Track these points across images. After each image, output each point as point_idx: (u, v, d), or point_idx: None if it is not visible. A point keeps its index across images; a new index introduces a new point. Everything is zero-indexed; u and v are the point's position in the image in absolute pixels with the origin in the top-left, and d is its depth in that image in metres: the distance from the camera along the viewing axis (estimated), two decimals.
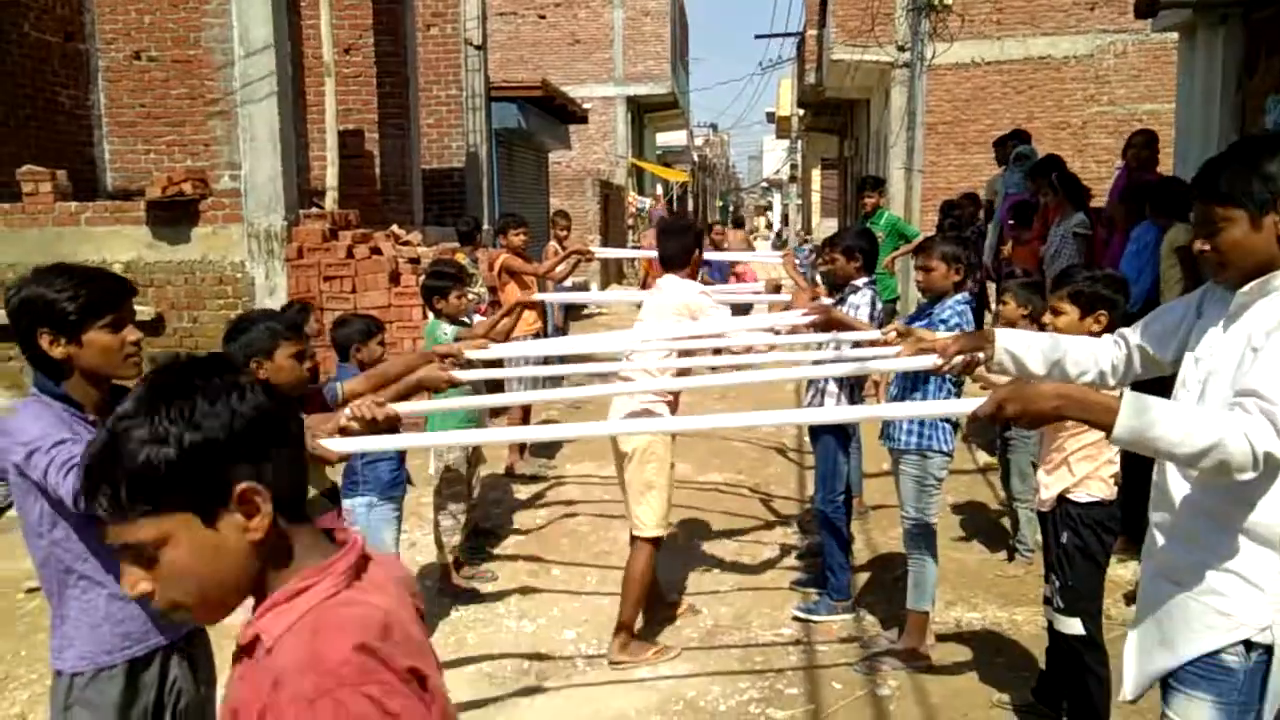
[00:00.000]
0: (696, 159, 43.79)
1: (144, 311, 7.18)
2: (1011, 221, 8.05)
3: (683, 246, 4.22)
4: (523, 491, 6.55)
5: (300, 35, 9.42)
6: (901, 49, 14.63)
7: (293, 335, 2.90)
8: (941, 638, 4.27)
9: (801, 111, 29.07)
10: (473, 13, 11.84)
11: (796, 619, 4.58)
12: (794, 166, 35.55)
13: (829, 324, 3.87)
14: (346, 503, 3.98)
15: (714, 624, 4.61)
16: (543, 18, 24.89)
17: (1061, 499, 3.11)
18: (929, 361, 2.41)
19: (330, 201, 7.77)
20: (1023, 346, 2.30)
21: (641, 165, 26.91)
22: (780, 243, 34.35)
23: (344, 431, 2.42)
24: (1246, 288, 1.92)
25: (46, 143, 9.34)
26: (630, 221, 25.08)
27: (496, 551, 5.55)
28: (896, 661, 4.02)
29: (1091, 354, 2.27)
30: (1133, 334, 2.23)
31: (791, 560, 5.39)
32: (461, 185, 11.86)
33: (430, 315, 4.95)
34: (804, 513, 6.11)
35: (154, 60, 10.20)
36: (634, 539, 4.24)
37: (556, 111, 15.12)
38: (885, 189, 9.47)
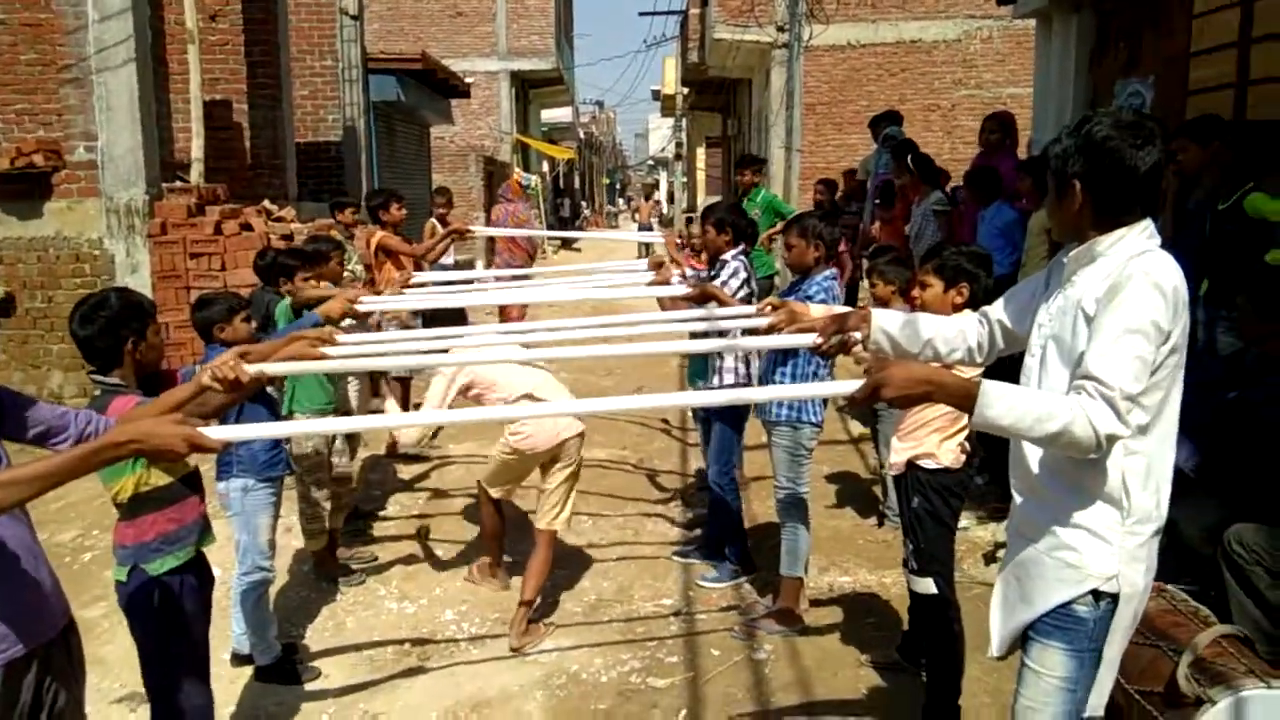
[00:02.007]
0: (583, 136, 43.58)
1: None
2: (878, 201, 8.33)
3: None
4: (405, 472, 6.46)
5: (161, 0, 8.96)
6: (781, 29, 14.86)
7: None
8: (815, 602, 4.42)
9: (686, 90, 29.23)
10: None
11: (702, 588, 4.68)
12: (679, 145, 35.75)
13: (704, 296, 3.94)
14: (220, 485, 3.86)
15: (596, 598, 4.66)
16: None
17: (911, 465, 3.25)
18: (807, 340, 2.48)
19: (196, 175, 7.44)
20: (896, 326, 2.40)
21: (527, 141, 26.62)
22: (665, 221, 34.54)
23: (204, 392, 2.36)
24: (1074, 252, 2.06)
25: None
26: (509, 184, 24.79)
27: (377, 533, 5.47)
28: (773, 625, 4.15)
29: (960, 332, 2.38)
30: (994, 310, 2.35)
31: (675, 534, 5.48)
32: (339, 159, 11.50)
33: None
34: (687, 487, 6.22)
35: (1, 24, 9.56)
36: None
37: (438, 85, 14.80)
38: (764, 168, 9.62)
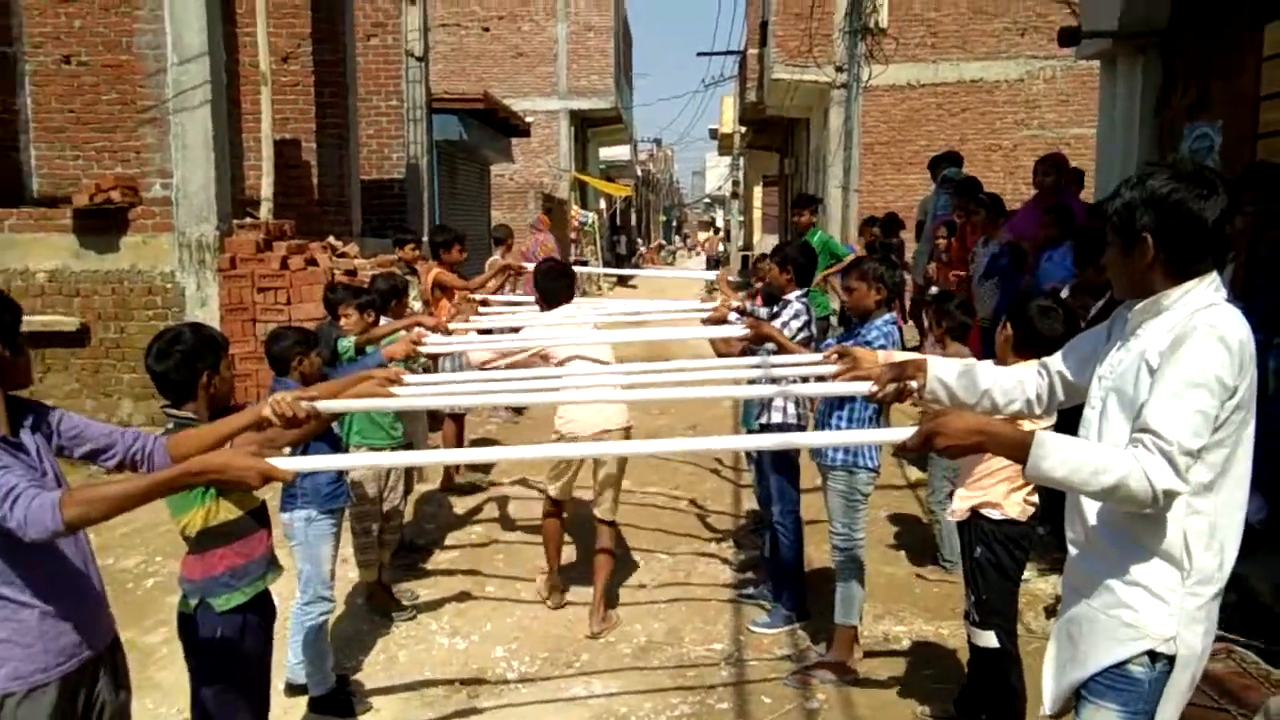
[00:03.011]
0: (640, 174, 43.97)
1: (68, 322, 7.01)
2: (942, 240, 8.26)
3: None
4: (459, 506, 6.50)
5: (236, 43, 9.27)
6: (839, 70, 14.91)
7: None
8: (871, 652, 4.35)
9: (743, 129, 29.40)
10: (414, 24, 11.76)
11: (753, 633, 4.64)
12: (736, 183, 35.87)
13: (760, 337, 3.93)
14: (284, 516, 3.93)
15: (647, 640, 4.63)
16: (486, 29, 24.81)
17: (975, 514, 3.19)
18: (863, 388, 2.46)
19: (265, 211, 7.65)
20: (953, 376, 2.37)
21: (584, 179, 26.94)
22: (722, 258, 34.61)
23: (264, 425, 2.41)
24: (1140, 305, 2.02)
25: None
26: (573, 235, 25.06)
27: (430, 567, 5.51)
28: (826, 675, 4.08)
29: (1019, 383, 2.34)
30: (1054, 362, 2.31)
31: (727, 576, 5.44)
32: (402, 196, 11.75)
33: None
34: (739, 528, 6.18)
35: (84, 65, 9.95)
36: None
37: (499, 124, 15.07)
38: (820, 208, 9.60)
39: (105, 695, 2.38)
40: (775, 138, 25.77)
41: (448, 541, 5.91)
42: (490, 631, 4.75)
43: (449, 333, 4.50)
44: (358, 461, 4.46)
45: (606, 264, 27.85)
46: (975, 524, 3.20)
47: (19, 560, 2.16)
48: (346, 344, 4.54)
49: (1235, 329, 1.90)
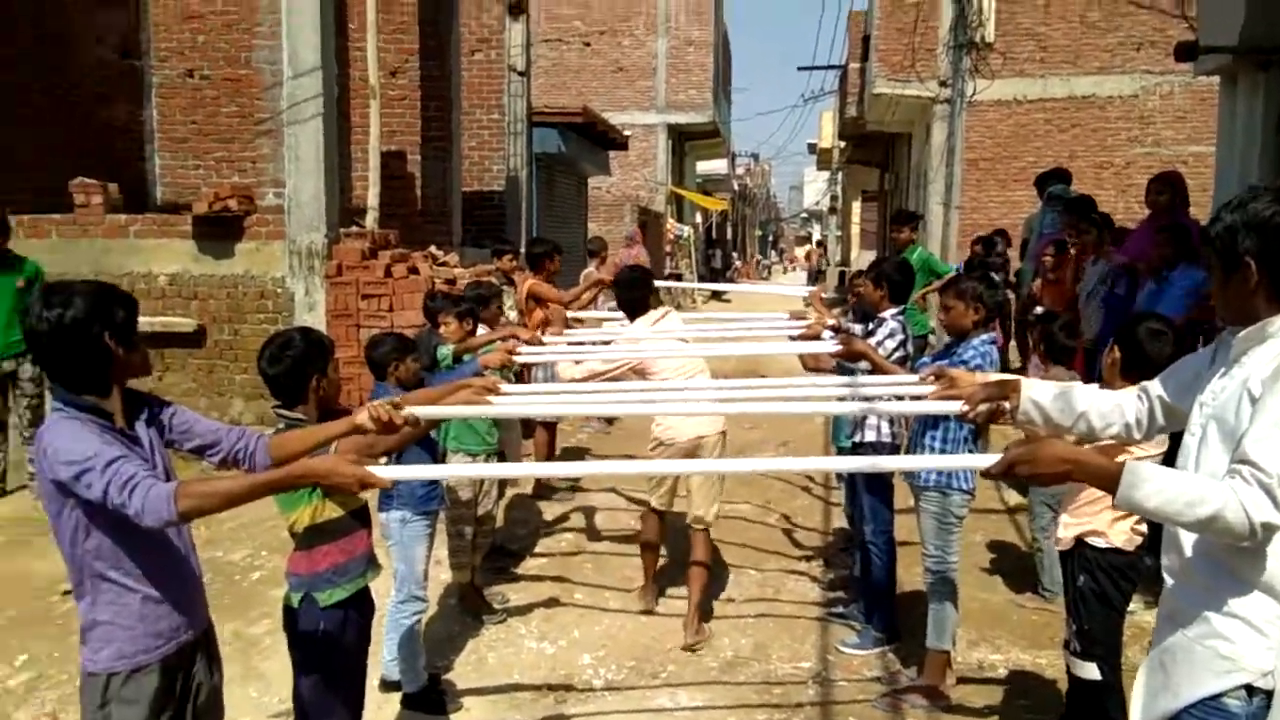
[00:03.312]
0: (737, 188, 43.91)
1: (185, 323, 7.34)
2: (1049, 259, 8.02)
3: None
4: (549, 512, 6.58)
5: (347, 58, 9.62)
6: (943, 84, 14.65)
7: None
8: (964, 679, 4.23)
9: (843, 144, 29.13)
10: (517, 40, 12.01)
11: (842, 653, 4.58)
12: (834, 198, 35.52)
13: (852, 354, 3.89)
14: (381, 516, 4.05)
15: (734, 654, 4.61)
16: (587, 44, 25.17)
17: (1080, 542, 3.09)
18: (954, 408, 2.43)
19: (371, 221, 7.89)
20: (1048, 398, 2.32)
21: (680, 193, 27.03)
22: (818, 273, 34.27)
23: (359, 430, 2.50)
24: (1244, 332, 1.95)
25: (100, 156, 9.59)
26: (668, 249, 25.17)
27: (520, 572, 5.58)
28: (917, 699, 3.99)
29: (1117, 407, 2.28)
30: (1155, 386, 2.24)
31: (817, 594, 5.37)
32: (501, 208, 11.99)
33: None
34: (829, 546, 6.10)
35: (206, 79, 10.46)
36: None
37: (597, 137, 15.26)
38: (920, 224, 9.42)
39: (201, 677, 2.50)
40: (875, 153, 25.43)
41: (538, 547, 5.99)
42: (578, 638, 4.79)
43: (542, 344, 4.57)
44: (451, 471, 4.54)
45: (701, 278, 27.87)
46: (1079, 552, 3.10)
47: (128, 547, 2.28)
48: (445, 351, 4.65)
49: None
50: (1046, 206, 8.69)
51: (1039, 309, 7.52)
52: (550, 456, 6.88)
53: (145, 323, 7.19)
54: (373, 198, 7.98)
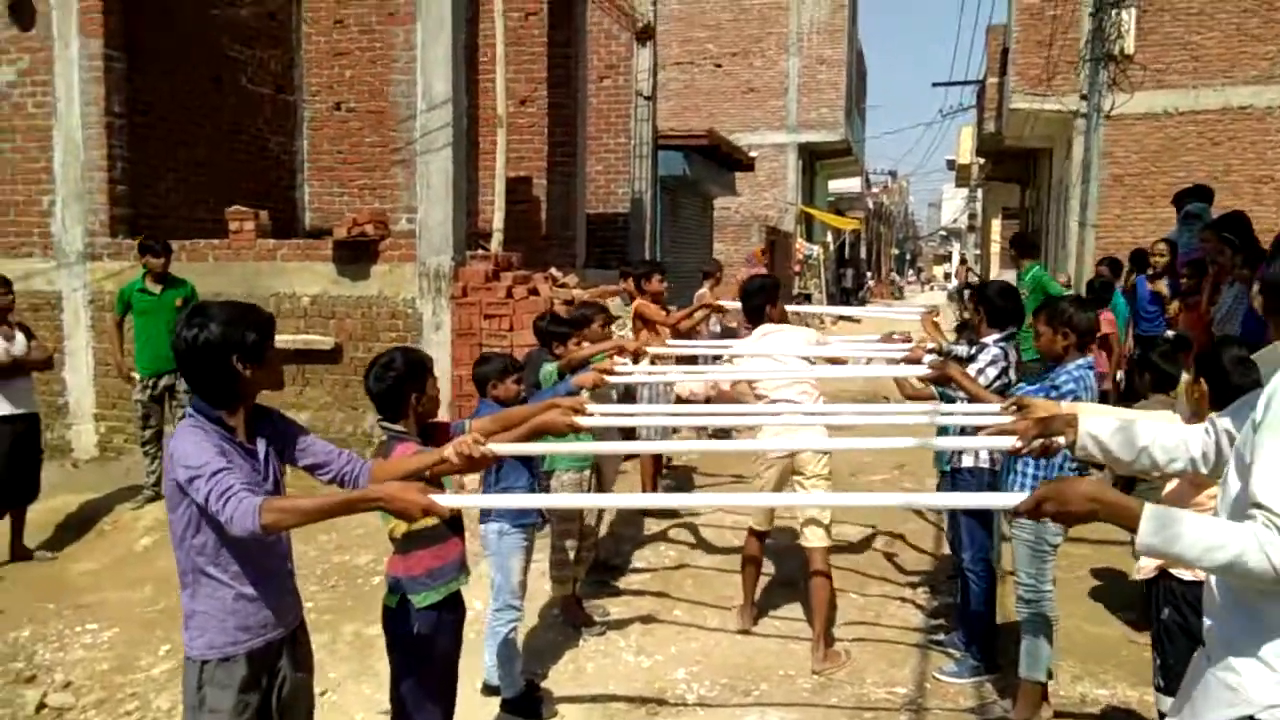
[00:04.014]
0: (871, 206, 43.23)
1: (324, 341, 7.84)
2: (1184, 280, 7.67)
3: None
4: (654, 528, 6.71)
5: (477, 89, 10.09)
6: (1084, 98, 14.15)
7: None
8: (1063, 713, 4.14)
9: (981, 160, 28.36)
10: (644, 65, 12.30)
11: (939, 681, 4.54)
12: (972, 216, 34.52)
13: (942, 378, 3.87)
14: (481, 527, 4.28)
15: (827, 677, 4.61)
16: (718, 66, 25.41)
17: (1164, 574, 3.01)
18: (1007, 443, 2.42)
19: (495, 244, 8.25)
20: (1107, 432, 2.29)
21: (810, 212, 26.86)
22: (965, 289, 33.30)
23: (446, 463, 2.69)
24: (1263, 354, 1.97)
25: (255, 185, 10.37)
26: (796, 268, 25.04)
27: (622, 586, 5.73)
28: None
29: (1182, 441, 2.24)
30: (1221, 419, 2.19)
31: (919, 620, 5.32)
32: (625, 229, 12.28)
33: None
34: (937, 571, 6.01)
35: (352, 111, 11.17)
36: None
37: (722, 159, 15.40)
38: (1036, 249, 9.08)
39: (286, 671, 2.72)
40: (1015, 169, 24.67)
41: (641, 563, 6.13)
42: (675, 654, 4.90)
43: (647, 357, 4.73)
44: (508, 501, 4.24)
45: (831, 298, 27.58)
46: (1163, 584, 3.02)
47: (227, 547, 2.53)
48: (549, 368, 4.86)
49: None
50: (1182, 225, 8.32)
51: (1170, 333, 7.20)
52: (654, 476, 7.00)
53: (289, 340, 7.81)
54: (498, 221, 8.34)
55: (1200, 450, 2.21)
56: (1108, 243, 14.11)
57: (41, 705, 4.44)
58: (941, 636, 4.95)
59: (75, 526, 6.68)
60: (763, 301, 5.01)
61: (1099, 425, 2.31)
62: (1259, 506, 1.76)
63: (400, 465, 2.81)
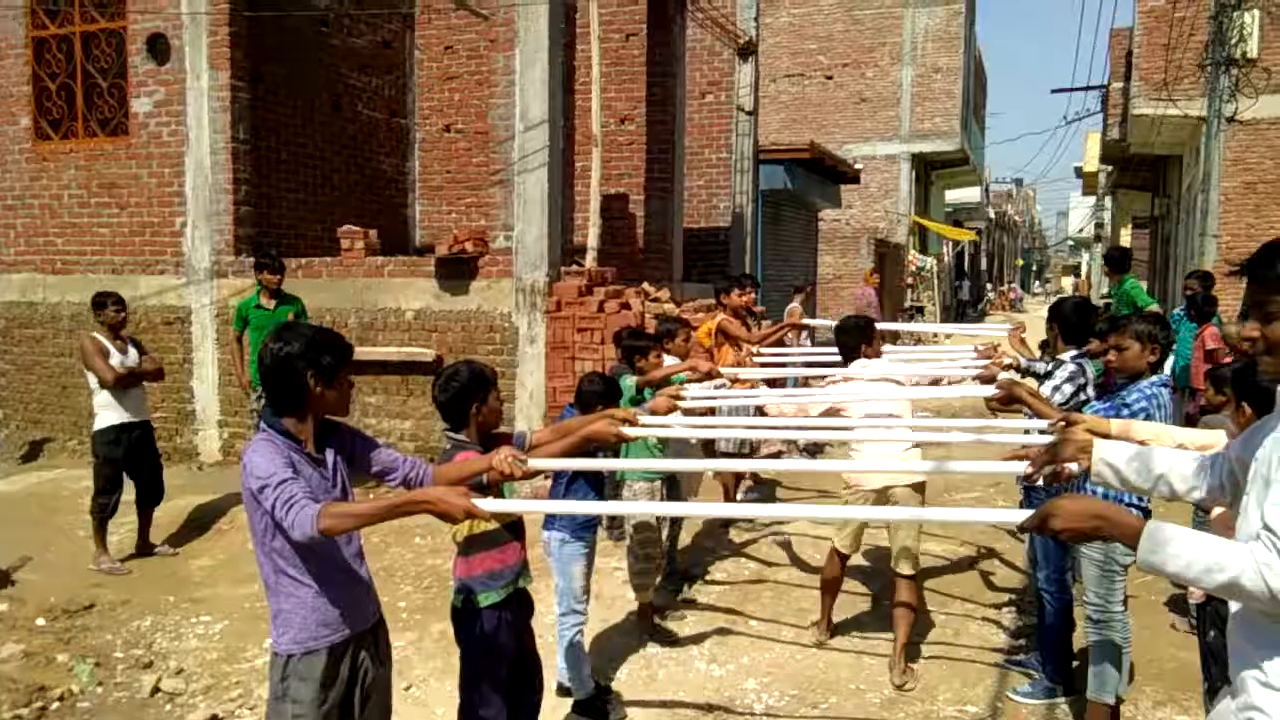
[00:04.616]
0: (992, 215, 42.03)
1: (426, 354, 8.20)
2: None
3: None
4: (737, 539, 6.77)
5: (573, 110, 10.36)
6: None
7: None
8: None
9: (1109, 168, 27.28)
10: (746, 81, 12.39)
11: (1012, 701, 4.49)
12: (1099, 225, 33.18)
13: (1009, 398, 3.83)
14: (543, 534, 4.47)
15: (897, 693, 4.60)
16: (830, 78, 25.22)
17: (1211, 596, 2.93)
18: (1019, 468, 2.41)
19: (590, 259, 8.46)
20: (1123, 459, 2.26)
21: (923, 223, 26.33)
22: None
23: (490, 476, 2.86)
24: None
25: (370, 204, 10.92)
26: (909, 280, 24.57)
27: (700, 596, 5.81)
28: None
29: (1201, 469, 2.19)
30: (1233, 447, 2.14)
31: (1000, 640, 5.24)
32: (726, 244, 12.37)
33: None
34: (1025, 590, 5.89)
35: (460, 133, 11.64)
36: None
37: (826, 171, 15.32)
38: (1127, 262, 8.69)
39: (368, 665, 2.91)
40: (1144, 176, 23.63)
41: (721, 574, 6.20)
42: (747, 664, 4.96)
43: (721, 377, 4.81)
44: (545, 506, 4.55)
45: (946, 310, 26.95)
46: (1211, 606, 2.94)
47: (301, 551, 2.73)
48: (628, 383, 5.00)
49: None
50: None
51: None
52: (734, 488, 7.05)
53: (393, 352, 8.21)
54: (593, 238, 8.55)
55: (1219, 478, 2.16)
56: (1239, 253, 13.36)
57: (156, 689, 4.81)
58: (1020, 657, 4.86)
59: (197, 526, 7.17)
60: (857, 341, 4.97)
61: (1114, 452, 2.27)
62: (1266, 528, 1.75)
63: (457, 470, 3.00)
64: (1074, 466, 2.31)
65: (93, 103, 9.37)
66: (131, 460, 6.52)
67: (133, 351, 6.56)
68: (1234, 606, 1.94)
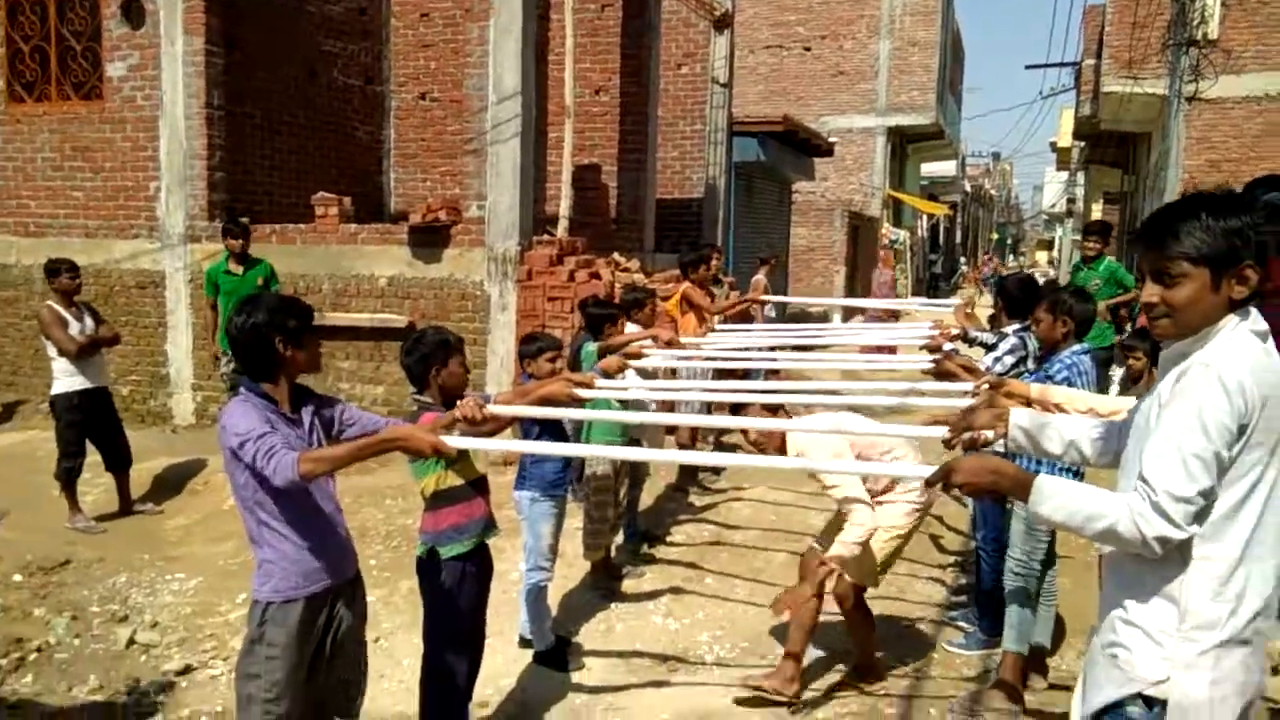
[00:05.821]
0: (969, 189, 42.33)
1: (398, 320, 8.35)
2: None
3: None
4: (698, 502, 7.01)
5: (547, 81, 10.45)
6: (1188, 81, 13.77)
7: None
8: (1058, 686, 4.30)
9: (1081, 143, 27.57)
10: (721, 53, 12.50)
11: (947, 651, 4.76)
12: (1070, 200, 33.55)
13: (943, 373, 4.01)
14: (515, 493, 4.68)
15: (843, 649, 4.85)
16: (808, 49, 25.28)
17: None
18: (939, 433, 2.53)
19: (561, 229, 8.61)
20: (1038, 426, 2.36)
21: (898, 196, 26.56)
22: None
23: (454, 423, 3.05)
24: (1185, 341, 1.97)
25: (345, 171, 10.99)
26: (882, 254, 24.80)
27: (659, 555, 6.05)
28: (995, 699, 4.09)
29: (1110, 432, 2.28)
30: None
31: (941, 596, 5.51)
32: (699, 215, 12.53)
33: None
34: (969, 552, 6.16)
35: (435, 101, 11.70)
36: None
37: (799, 144, 15.48)
38: (1109, 235, 9.00)
39: (343, 616, 3.11)
40: (1114, 152, 23.95)
41: (681, 536, 6.43)
42: (701, 619, 5.21)
43: (682, 347, 5.02)
44: (513, 446, 4.25)
45: (919, 283, 27.26)
46: None
47: (282, 503, 2.92)
48: (590, 349, 5.20)
49: (1234, 368, 1.86)
50: (1257, 215, 8.15)
51: None
52: (691, 444, 7.25)
53: (366, 319, 8.36)
54: (564, 208, 8.70)
55: (1125, 444, 2.18)
56: None
57: (131, 641, 5.00)
58: (956, 613, 5.14)
59: (171, 487, 7.33)
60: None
61: (1028, 419, 2.38)
62: (1142, 479, 1.88)
63: (432, 423, 3.19)
64: (989, 434, 2.41)
65: (67, 66, 9.38)
66: (91, 425, 6.62)
67: (88, 319, 6.62)
68: (1107, 551, 2.14)
